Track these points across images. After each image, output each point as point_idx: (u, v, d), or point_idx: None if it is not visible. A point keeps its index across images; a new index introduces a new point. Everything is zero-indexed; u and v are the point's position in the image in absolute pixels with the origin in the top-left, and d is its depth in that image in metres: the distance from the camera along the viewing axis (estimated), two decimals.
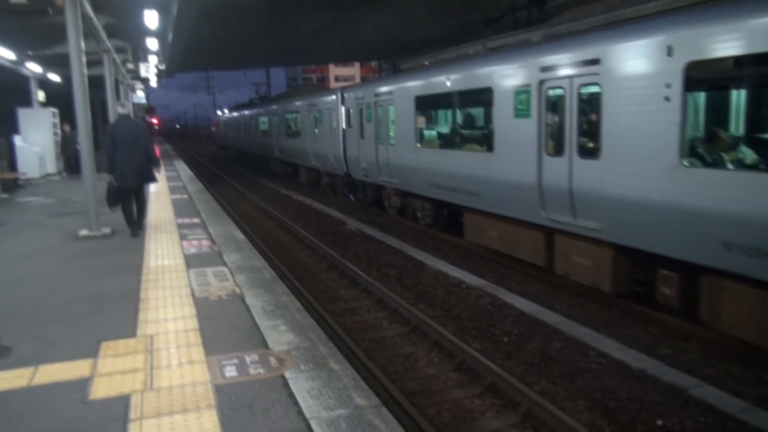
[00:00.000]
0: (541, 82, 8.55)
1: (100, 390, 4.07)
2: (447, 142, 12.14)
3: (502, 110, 9.48)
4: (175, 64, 35.10)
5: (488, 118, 10.28)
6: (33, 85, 20.36)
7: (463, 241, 11.85)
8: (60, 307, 5.94)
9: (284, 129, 25.33)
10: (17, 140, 18.57)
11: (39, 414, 3.78)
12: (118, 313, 5.74)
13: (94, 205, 9.62)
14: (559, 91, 8.34)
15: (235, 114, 41.46)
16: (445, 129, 12.70)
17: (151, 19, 13.91)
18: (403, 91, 13.31)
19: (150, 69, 23.07)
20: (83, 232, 9.58)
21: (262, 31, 27.43)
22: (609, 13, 7.92)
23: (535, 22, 20.54)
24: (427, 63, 13.64)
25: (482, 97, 10.16)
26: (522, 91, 8.95)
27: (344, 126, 17.30)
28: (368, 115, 15.26)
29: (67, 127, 19.63)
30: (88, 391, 4.06)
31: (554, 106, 8.53)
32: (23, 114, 19.32)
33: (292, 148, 24.01)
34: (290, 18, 24.65)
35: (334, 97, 18.22)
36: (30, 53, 18.11)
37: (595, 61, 7.51)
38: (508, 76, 9.39)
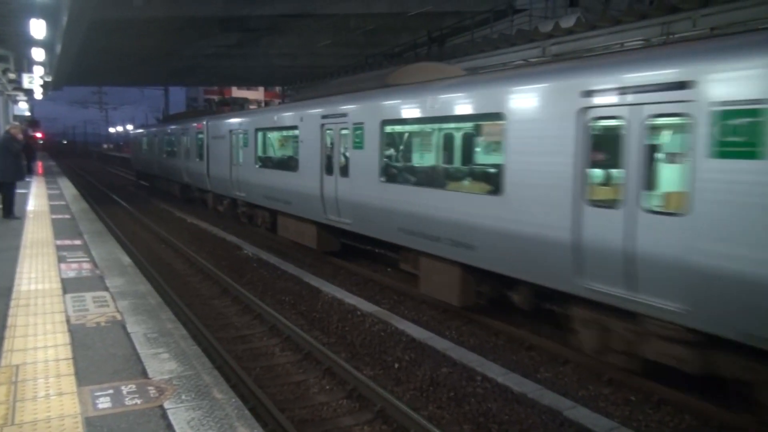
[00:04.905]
0: None
1: None
2: None
3: None
4: (63, 77, 33.19)
5: None
6: None
7: (361, 267, 11.92)
8: None
9: (312, 157, 12.40)
10: None
11: None
12: None
13: None
14: None
15: (173, 127, 25.07)
16: None
17: (37, 28, 13.12)
18: None
19: (35, 80, 21.64)
20: None
21: (161, 50, 26.66)
22: None
23: (433, 58, 21.51)
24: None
25: None
26: None
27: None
28: None
29: None
30: None
31: None
32: None
33: (342, 198, 11.28)
34: (191, 39, 24.18)
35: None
36: None
37: None
38: None
